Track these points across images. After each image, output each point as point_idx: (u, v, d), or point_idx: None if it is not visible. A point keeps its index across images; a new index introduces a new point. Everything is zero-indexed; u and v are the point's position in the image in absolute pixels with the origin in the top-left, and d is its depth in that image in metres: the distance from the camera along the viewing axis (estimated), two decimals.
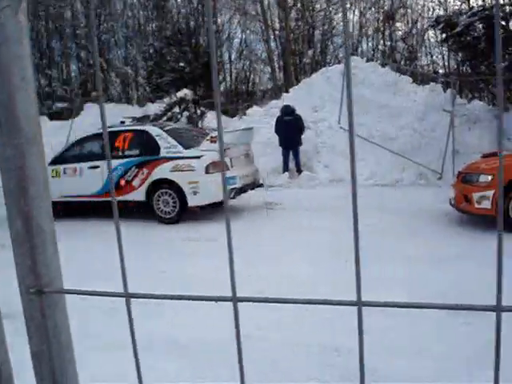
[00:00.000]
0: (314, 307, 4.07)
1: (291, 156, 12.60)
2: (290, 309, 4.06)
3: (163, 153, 8.37)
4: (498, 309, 0.68)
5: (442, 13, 19.21)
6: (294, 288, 4.69)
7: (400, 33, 23.17)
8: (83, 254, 6.70)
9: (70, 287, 0.87)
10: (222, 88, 24.93)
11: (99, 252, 6.69)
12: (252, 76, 27.30)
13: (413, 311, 3.86)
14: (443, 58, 22.70)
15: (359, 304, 0.72)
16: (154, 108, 15.61)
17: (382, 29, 23.54)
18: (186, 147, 8.35)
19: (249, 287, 4.93)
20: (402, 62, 21.53)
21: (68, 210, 9.25)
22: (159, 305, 4.31)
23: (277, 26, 23.83)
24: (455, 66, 20.93)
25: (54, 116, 19.31)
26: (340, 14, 24.10)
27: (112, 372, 3.17)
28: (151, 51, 21.35)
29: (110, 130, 9.00)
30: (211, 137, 8.30)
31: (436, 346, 3.42)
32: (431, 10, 22.75)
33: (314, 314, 4.02)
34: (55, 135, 16.52)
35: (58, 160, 9.20)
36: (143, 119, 13.83)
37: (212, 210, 8.56)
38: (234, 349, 0.78)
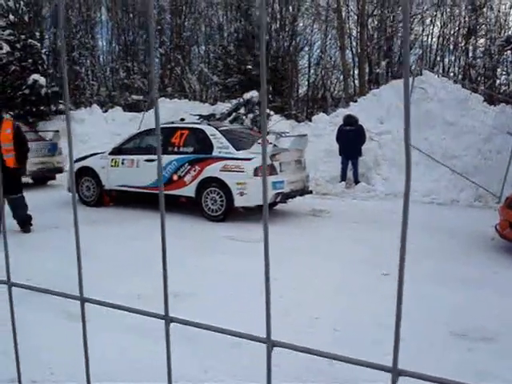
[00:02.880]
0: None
1: (350, 166, 12.56)
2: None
3: (216, 152, 8.59)
4: (395, 371, 0.63)
5: None
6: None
7: (480, 49, 22.42)
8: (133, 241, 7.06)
9: None
10: (295, 94, 25.03)
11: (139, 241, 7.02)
12: (327, 83, 27.20)
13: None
14: None
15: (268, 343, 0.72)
16: (222, 107, 15.93)
17: (461, 44, 22.88)
18: (238, 148, 8.54)
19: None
20: (479, 80, 20.90)
21: (122, 198, 9.67)
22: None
23: (354, 33, 23.71)
24: None
25: (129, 107, 20.08)
26: (420, 27, 23.72)
27: None
28: (222, 51, 21.84)
29: (168, 126, 9.34)
30: None
31: None
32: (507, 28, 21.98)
33: None
34: (128, 126, 17.25)
35: (118, 150, 9.62)
36: (209, 117, 14.16)
37: (260, 212, 8.72)
38: None
